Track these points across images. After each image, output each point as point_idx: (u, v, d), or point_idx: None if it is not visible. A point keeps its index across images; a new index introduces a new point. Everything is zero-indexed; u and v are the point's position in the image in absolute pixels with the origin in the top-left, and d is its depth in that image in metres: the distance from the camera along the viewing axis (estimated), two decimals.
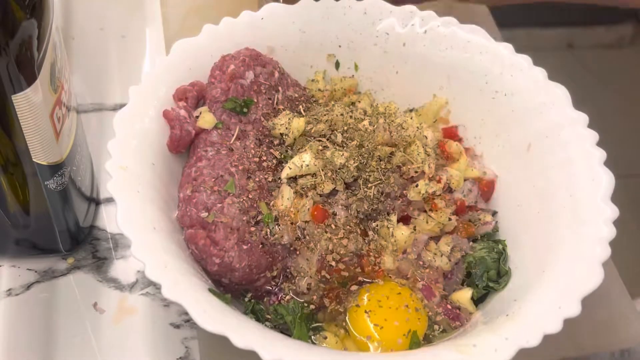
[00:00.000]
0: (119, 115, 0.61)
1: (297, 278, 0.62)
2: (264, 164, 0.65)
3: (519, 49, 0.69)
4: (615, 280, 0.71)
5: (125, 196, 0.55)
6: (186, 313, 0.50)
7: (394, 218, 0.63)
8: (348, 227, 0.62)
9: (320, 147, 0.64)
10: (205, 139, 0.64)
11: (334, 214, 0.62)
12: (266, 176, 0.64)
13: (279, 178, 0.64)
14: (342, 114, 0.66)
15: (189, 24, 0.91)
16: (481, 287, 0.63)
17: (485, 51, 0.69)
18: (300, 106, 0.70)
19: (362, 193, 0.62)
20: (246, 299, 0.62)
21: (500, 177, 0.70)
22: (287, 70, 0.71)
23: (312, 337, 0.60)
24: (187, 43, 0.67)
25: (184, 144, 0.64)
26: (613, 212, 0.57)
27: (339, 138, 0.64)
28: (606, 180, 0.59)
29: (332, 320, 0.62)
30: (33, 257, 0.70)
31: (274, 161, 0.66)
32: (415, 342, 0.59)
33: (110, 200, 0.74)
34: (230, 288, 0.61)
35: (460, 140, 0.72)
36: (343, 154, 0.63)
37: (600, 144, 0.61)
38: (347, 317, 0.61)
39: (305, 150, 0.64)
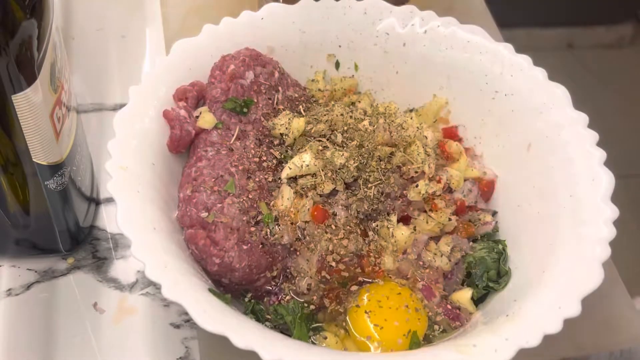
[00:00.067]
0: (119, 115, 0.61)
1: (297, 278, 0.62)
2: (264, 164, 0.65)
3: (519, 49, 0.69)
4: (615, 280, 0.71)
5: (125, 196, 0.55)
6: (186, 313, 0.50)
7: (394, 218, 0.63)
8: (348, 227, 0.62)
9: (320, 147, 0.64)
10: (205, 139, 0.64)
11: (334, 214, 0.62)
12: (266, 176, 0.64)
13: (279, 178, 0.64)
14: (342, 114, 0.66)
15: (189, 24, 0.91)
16: (481, 287, 0.63)
17: (485, 51, 0.69)
18: (300, 106, 0.70)
19: (362, 193, 0.62)
20: (246, 299, 0.62)
21: (500, 177, 0.70)
22: (287, 70, 0.71)
23: (312, 337, 0.60)
24: (187, 43, 0.67)
25: (184, 144, 0.64)
26: (613, 212, 0.57)
27: (339, 138, 0.64)
28: (606, 180, 0.59)
29: (332, 320, 0.62)
30: (33, 257, 0.70)
31: (274, 161, 0.66)
32: (415, 342, 0.59)
33: (110, 200, 0.74)
34: (230, 288, 0.61)
35: (460, 140, 0.72)
36: (343, 154, 0.63)
37: (600, 144, 0.61)
38: (347, 318, 0.61)
39: (305, 150, 0.64)
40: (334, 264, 0.61)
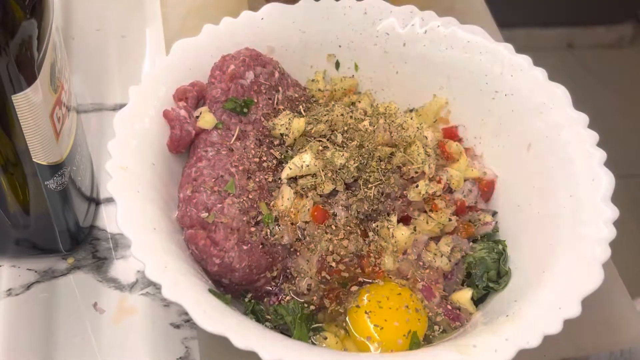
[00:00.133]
0: (119, 115, 0.61)
1: (297, 278, 0.62)
2: (264, 164, 0.65)
3: (519, 49, 0.69)
4: (615, 280, 0.71)
5: (125, 196, 0.55)
6: (186, 313, 0.50)
7: (394, 218, 0.63)
8: (348, 227, 0.62)
9: (321, 148, 0.64)
10: (205, 139, 0.64)
11: (334, 215, 0.62)
12: (266, 176, 0.64)
13: (279, 178, 0.64)
14: (342, 114, 0.66)
15: (189, 24, 0.91)
16: (481, 288, 0.63)
17: (485, 51, 0.69)
18: (301, 106, 0.70)
19: (362, 193, 0.62)
20: (246, 300, 0.62)
21: (500, 177, 0.70)
22: (287, 70, 0.71)
23: (312, 337, 0.60)
24: (187, 43, 0.67)
25: (184, 144, 0.64)
26: (613, 212, 0.57)
27: (339, 138, 0.64)
28: (606, 180, 0.59)
29: (332, 320, 0.62)
30: (33, 257, 0.70)
31: (274, 161, 0.66)
32: (415, 342, 0.59)
33: (110, 200, 0.74)
34: (230, 288, 0.61)
35: (460, 140, 0.72)
36: (343, 155, 0.63)
37: (600, 144, 0.61)
38: (347, 318, 0.61)
39: (306, 150, 0.64)
40: (334, 264, 0.61)
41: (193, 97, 0.65)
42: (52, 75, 0.55)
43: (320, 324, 0.62)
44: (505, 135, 0.69)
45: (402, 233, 0.63)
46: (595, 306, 0.68)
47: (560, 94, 0.65)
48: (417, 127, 0.67)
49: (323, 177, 0.62)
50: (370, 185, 0.62)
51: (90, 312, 0.67)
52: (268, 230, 0.61)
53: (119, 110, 0.61)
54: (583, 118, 0.63)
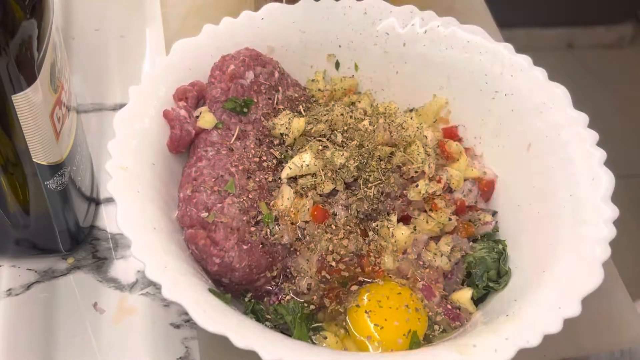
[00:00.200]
0: (119, 115, 0.61)
1: (297, 278, 0.62)
2: (264, 164, 0.65)
3: (519, 49, 0.69)
4: (615, 280, 0.71)
5: (125, 196, 0.55)
6: (186, 313, 0.50)
7: (394, 218, 0.63)
8: (348, 227, 0.62)
9: (321, 147, 0.64)
10: (205, 139, 0.64)
11: (334, 214, 0.62)
12: (266, 176, 0.64)
13: (279, 178, 0.64)
14: (342, 114, 0.66)
15: (189, 24, 0.91)
16: (481, 287, 0.63)
17: (485, 51, 0.69)
18: (300, 106, 0.70)
19: (362, 193, 0.62)
20: (246, 299, 0.62)
21: (500, 177, 0.70)
22: (287, 70, 0.71)
23: (312, 337, 0.60)
24: (187, 43, 0.67)
25: (184, 144, 0.64)
26: (613, 212, 0.57)
27: (339, 138, 0.64)
28: (606, 180, 0.59)
29: (332, 320, 0.62)
30: (33, 257, 0.70)
31: (274, 161, 0.66)
32: (415, 342, 0.59)
33: (110, 200, 0.74)
34: (230, 288, 0.61)
35: (460, 140, 0.72)
36: (343, 154, 0.63)
37: (600, 144, 0.61)
38: (347, 317, 0.61)
39: (306, 150, 0.64)
40: (334, 263, 0.61)
41: (193, 97, 0.65)
42: (52, 75, 0.55)
43: (320, 324, 0.62)
44: (505, 135, 0.69)
45: (402, 232, 0.63)
46: (595, 306, 0.68)
47: (560, 93, 0.65)
48: (417, 127, 0.67)
49: (323, 176, 0.62)
50: (370, 185, 0.62)
51: (90, 312, 0.67)
52: (268, 230, 0.61)
53: (119, 110, 0.61)
54: (583, 118, 0.63)
